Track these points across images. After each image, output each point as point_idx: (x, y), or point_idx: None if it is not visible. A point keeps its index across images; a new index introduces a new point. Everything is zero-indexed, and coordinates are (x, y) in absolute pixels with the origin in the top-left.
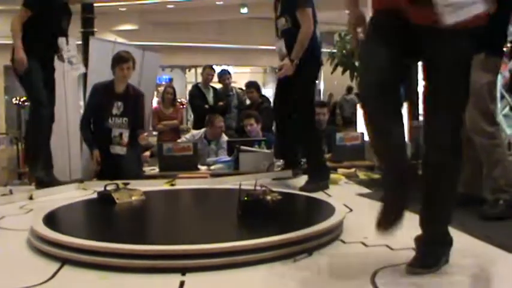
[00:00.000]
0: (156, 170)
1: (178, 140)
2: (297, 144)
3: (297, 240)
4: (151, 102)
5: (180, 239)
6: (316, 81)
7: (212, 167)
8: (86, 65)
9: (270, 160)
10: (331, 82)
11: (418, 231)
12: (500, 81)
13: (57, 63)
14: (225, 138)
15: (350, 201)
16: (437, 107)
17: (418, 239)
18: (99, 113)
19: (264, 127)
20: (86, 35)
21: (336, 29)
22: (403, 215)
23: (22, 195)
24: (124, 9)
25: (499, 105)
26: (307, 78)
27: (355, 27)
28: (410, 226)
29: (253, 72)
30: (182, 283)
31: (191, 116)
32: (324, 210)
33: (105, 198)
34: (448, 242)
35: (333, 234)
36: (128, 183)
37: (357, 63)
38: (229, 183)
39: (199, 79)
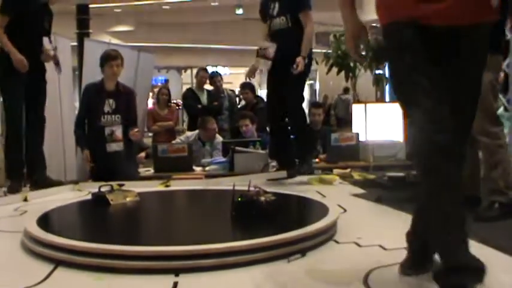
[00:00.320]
0: (151, 171)
1: (173, 141)
2: (290, 145)
3: (291, 240)
4: (147, 103)
5: (174, 240)
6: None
7: (207, 168)
8: (80, 66)
9: (265, 161)
10: (326, 82)
11: None
12: None
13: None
14: (219, 139)
15: (344, 202)
16: (465, 111)
17: (408, 235)
18: (92, 112)
19: (259, 128)
20: (81, 36)
21: (331, 29)
22: None
23: (17, 197)
24: (119, 10)
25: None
26: (302, 73)
27: (356, 40)
28: (403, 227)
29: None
30: (176, 284)
31: (187, 117)
32: (317, 210)
33: (99, 199)
34: None
35: (327, 235)
36: (122, 185)
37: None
38: (224, 184)
39: (195, 80)
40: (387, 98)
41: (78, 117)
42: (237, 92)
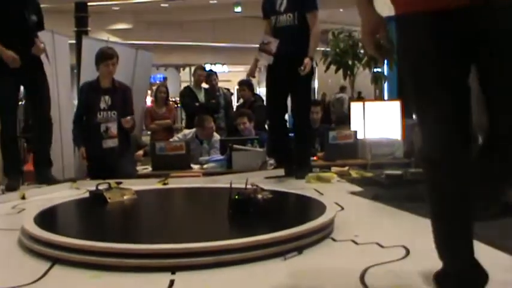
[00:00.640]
0: (149, 169)
1: (171, 139)
2: (289, 142)
3: (288, 238)
4: (145, 101)
5: (171, 238)
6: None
7: (205, 166)
8: (78, 64)
9: (263, 159)
10: (325, 81)
11: (407, 229)
12: None
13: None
14: (217, 137)
15: (342, 200)
16: None
17: None
18: (88, 109)
19: (256, 125)
20: (80, 34)
21: (330, 27)
22: None
23: (14, 195)
24: (117, 8)
25: None
26: (309, 74)
27: (373, 35)
28: (400, 224)
29: (247, 71)
30: (172, 282)
31: (185, 115)
32: (315, 208)
33: (97, 197)
34: None
35: (324, 233)
36: (120, 183)
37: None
38: (222, 182)
39: (193, 78)
40: (386, 96)
41: (75, 115)
42: (235, 90)
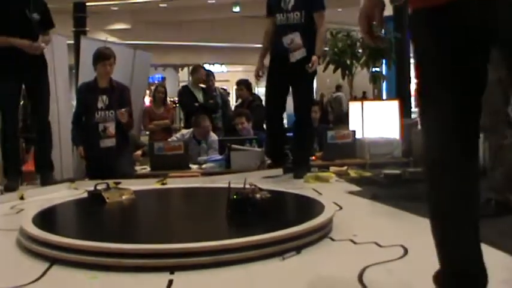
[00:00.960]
0: (147, 169)
1: (169, 139)
2: (285, 141)
3: (286, 238)
4: (143, 101)
5: (169, 237)
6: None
7: (203, 166)
8: (77, 64)
9: (261, 158)
10: (323, 80)
11: (405, 229)
12: None
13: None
14: (214, 137)
15: (340, 199)
16: None
17: None
18: (86, 109)
19: (255, 125)
20: (78, 34)
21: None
22: None
23: (13, 195)
24: (116, 8)
25: None
26: (313, 73)
27: (369, 16)
28: (398, 224)
29: (245, 71)
30: (171, 282)
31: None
32: (313, 208)
33: (95, 197)
34: None
35: (322, 232)
36: (119, 183)
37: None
38: (220, 182)
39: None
40: (384, 96)
41: (74, 115)
42: (233, 90)
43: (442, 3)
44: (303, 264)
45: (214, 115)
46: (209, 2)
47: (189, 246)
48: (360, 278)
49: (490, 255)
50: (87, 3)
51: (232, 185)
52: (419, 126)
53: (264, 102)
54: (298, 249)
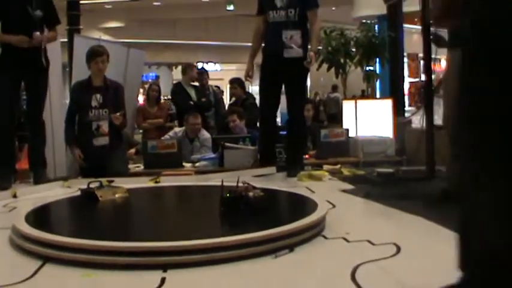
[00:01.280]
0: (141, 167)
1: (162, 138)
2: (277, 139)
3: (279, 236)
4: (137, 100)
5: (162, 235)
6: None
7: (197, 164)
8: (70, 62)
9: (255, 157)
10: (317, 79)
11: (398, 227)
12: None
13: None
14: (207, 135)
15: (333, 198)
16: None
17: None
18: (80, 107)
19: (248, 123)
20: (72, 33)
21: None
22: None
23: (6, 193)
24: (110, 6)
25: None
26: (306, 71)
27: None
28: (391, 222)
29: (239, 69)
30: (163, 279)
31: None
32: (306, 206)
33: (88, 195)
34: None
35: (315, 230)
36: (112, 181)
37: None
38: (214, 180)
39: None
40: (378, 94)
41: (68, 114)
42: (227, 89)
43: None
44: (295, 262)
45: (207, 113)
46: (203, 0)
47: (182, 244)
48: (353, 275)
49: None
50: (81, 1)
51: (225, 183)
52: (412, 125)
53: (258, 101)
54: (291, 248)
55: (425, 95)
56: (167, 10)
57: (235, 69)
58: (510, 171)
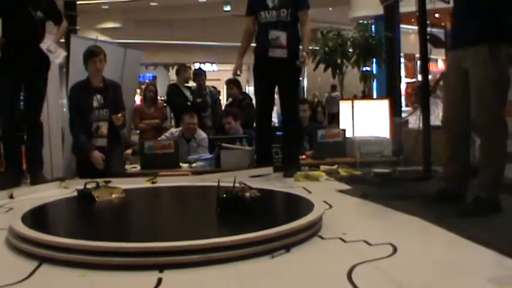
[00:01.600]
0: (137, 168)
1: (159, 138)
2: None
3: (275, 236)
4: (134, 100)
5: (159, 236)
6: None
7: (194, 165)
8: (67, 63)
9: (252, 157)
10: (314, 79)
11: (394, 227)
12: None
13: None
14: (203, 135)
15: (330, 198)
16: None
17: None
18: (81, 109)
19: (245, 124)
20: (69, 33)
21: (318, 26)
22: None
23: (2, 194)
24: (107, 7)
25: None
26: (298, 71)
27: None
28: (388, 222)
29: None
30: (160, 280)
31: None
32: (303, 206)
33: (85, 196)
34: None
35: (312, 231)
36: (109, 181)
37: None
38: (211, 180)
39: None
40: (374, 95)
41: (73, 119)
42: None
43: None
44: (292, 262)
45: (203, 114)
46: (200, 0)
47: (179, 245)
48: (349, 275)
49: (482, 254)
50: (78, 2)
51: (221, 184)
52: (409, 125)
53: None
54: (287, 248)
55: (421, 96)
56: (164, 10)
57: (232, 70)
58: None
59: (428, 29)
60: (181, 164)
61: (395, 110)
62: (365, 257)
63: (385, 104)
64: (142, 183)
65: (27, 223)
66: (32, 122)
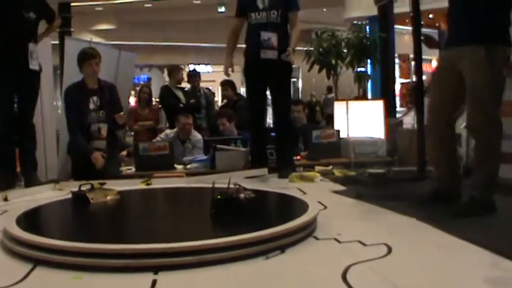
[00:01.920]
0: (132, 169)
1: (153, 140)
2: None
3: (270, 237)
4: (128, 102)
5: (153, 238)
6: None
7: (188, 166)
8: (61, 65)
9: (246, 158)
10: (309, 80)
11: (389, 228)
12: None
13: None
14: (198, 136)
15: (325, 199)
16: None
17: None
18: (78, 111)
19: (240, 125)
20: (63, 35)
21: (313, 27)
22: None
23: None
24: (101, 8)
25: None
26: (289, 72)
27: None
28: (382, 223)
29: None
30: (154, 282)
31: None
32: (297, 207)
33: (79, 198)
34: None
35: (306, 231)
36: (103, 183)
37: (333, 61)
38: (206, 182)
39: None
40: (369, 96)
41: (72, 123)
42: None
43: None
44: (287, 263)
45: (197, 115)
46: (194, 2)
47: (173, 246)
48: (344, 276)
49: (477, 254)
50: (72, 4)
51: (216, 185)
52: (403, 126)
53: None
54: (282, 249)
55: (416, 96)
56: (158, 12)
57: None
58: None
59: (423, 30)
60: (176, 165)
61: (389, 110)
62: (360, 258)
63: (379, 104)
64: (137, 184)
65: (21, 225)
66: (25, 123)
